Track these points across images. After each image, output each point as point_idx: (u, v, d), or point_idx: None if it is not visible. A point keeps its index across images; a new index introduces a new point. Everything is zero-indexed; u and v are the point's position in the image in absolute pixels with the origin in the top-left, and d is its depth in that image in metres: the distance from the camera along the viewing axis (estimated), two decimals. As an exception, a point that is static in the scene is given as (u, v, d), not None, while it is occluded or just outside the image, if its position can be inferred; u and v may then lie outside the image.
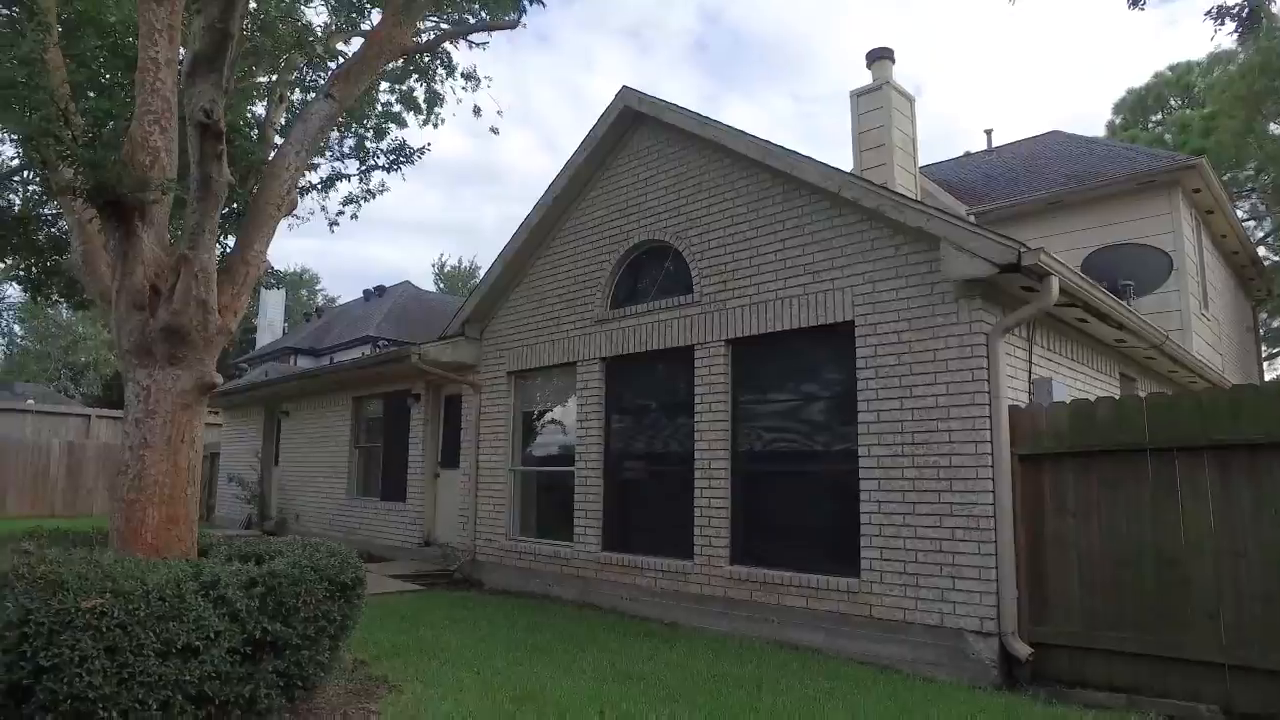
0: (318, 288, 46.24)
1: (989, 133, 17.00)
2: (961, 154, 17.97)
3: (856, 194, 6.69)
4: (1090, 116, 59.78)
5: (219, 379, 4.55)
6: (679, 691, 4.99)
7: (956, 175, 15.70)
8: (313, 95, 8.20)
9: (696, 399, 7.87)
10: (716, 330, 7.79)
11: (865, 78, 11.99)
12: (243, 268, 4.72)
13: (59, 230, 10.54)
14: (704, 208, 8.13)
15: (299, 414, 15.06)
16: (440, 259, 43.63)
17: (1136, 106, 25.79)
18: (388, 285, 27.11)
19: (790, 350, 7.37)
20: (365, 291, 27.20)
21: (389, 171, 7.34)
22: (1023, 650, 5.68)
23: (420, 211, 74.90)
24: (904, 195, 6.50)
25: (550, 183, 9.54)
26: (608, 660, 5.78)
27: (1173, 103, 25.45)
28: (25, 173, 10.67)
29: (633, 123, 9.00)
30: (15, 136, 4.25)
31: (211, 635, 3.87)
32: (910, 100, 12.73)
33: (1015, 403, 6.23)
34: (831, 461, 6.97)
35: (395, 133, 7.92)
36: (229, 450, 17.60)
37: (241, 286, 4.72)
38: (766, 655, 6.22)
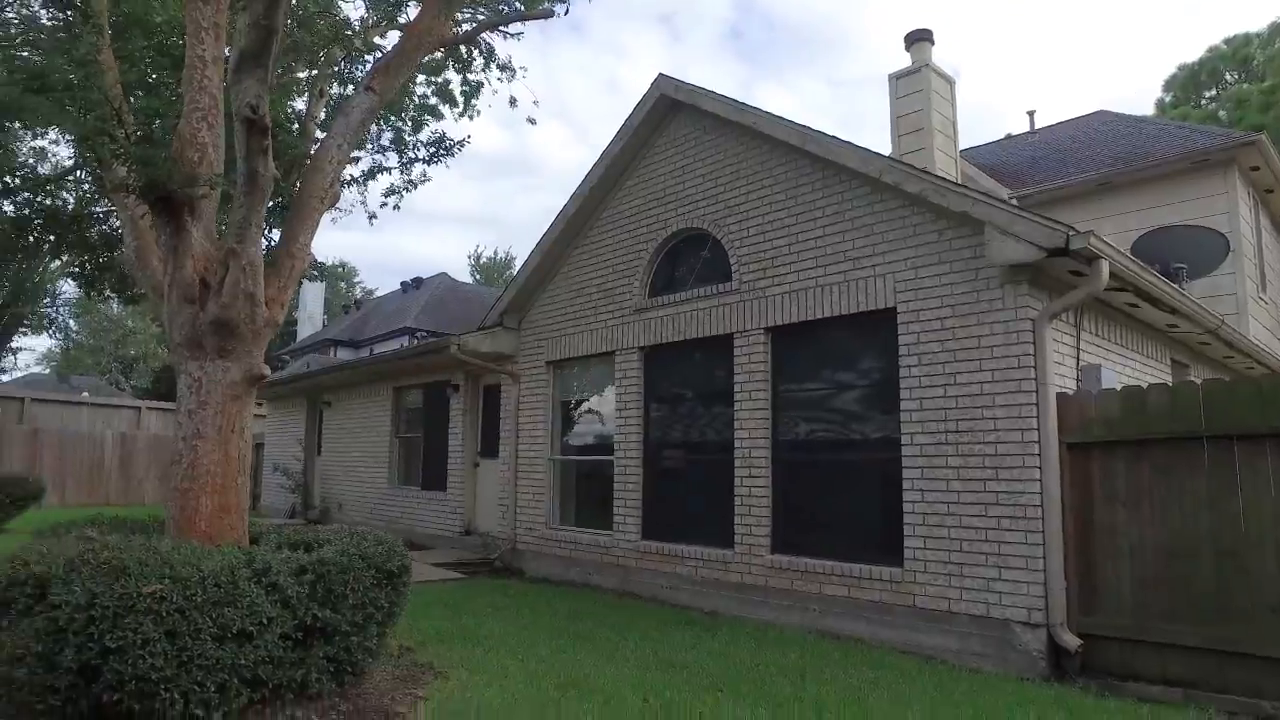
0: (356, 280, 46.97)
1: (1031, 114, 16.62)
2: (1003, 137, 17.59)
3: (897, 178, 6.58)
4: (1137, 96, 58.13)
5: (267, 370, 4.64)
6: (722, 680, 4.99)
7: (998, 158, 15.38)
8: (351, 89, 8.30)
9: (736, 387, 7.83)
10: (756, 318, 7.74)
11: (903, 60, 11.79)
12: (288, 261, 4.80)
13: (110, 228, 10.81)
14: (742, 195, 8.07)
15: (341, 405, 15.31)
16: (476, 250, 44.06)
17: (1189, 83, 24.89)
18: (425, 277, 27.42)
19: (830, 338, 7.30)
20: (403, 283, 27.55)
21: (429, 164, 7.41)
22: (1072, 642, 5.58)
23: (455, 204, 75.55)
24: (946, 179, 6.38)
25: (587, 172, 9.54)
26: (650, 648, 5.81)
27: (1229, 77, 24.51)
28: (78, 172, 10.97)
29: (669, 111, 8.95)
30: (71, 137, 4.35)
31: (264, 621, 3.96)
32: (950, 83, 12.49)
33: (1063, 390, 6.10)
34: (873, 450, 6.90)
35: (433, 125, 7.98)
36: (273, 440, 17.98)
37: (287, 279, 4.81)
38: (809, 645, 6.20)
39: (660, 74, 8.71)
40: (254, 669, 3.94)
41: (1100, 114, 15.73)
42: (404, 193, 7.53)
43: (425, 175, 7.54)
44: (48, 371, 34.99)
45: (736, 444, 7.76)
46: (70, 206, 10.58)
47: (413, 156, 7.49)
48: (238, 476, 4.63)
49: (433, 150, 7.37)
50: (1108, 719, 4.43)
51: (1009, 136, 17.50)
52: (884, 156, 6.81)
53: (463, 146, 7.39)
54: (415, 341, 23.44)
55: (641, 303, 8.97)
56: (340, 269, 43.38)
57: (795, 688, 4.90)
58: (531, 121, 8.50)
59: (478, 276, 42.20)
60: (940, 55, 11.90)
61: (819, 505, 7.25)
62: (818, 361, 7.42)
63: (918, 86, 11.99)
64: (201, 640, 3.72)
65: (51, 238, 10.45)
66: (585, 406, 10.04)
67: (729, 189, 8.21)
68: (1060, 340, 6.26)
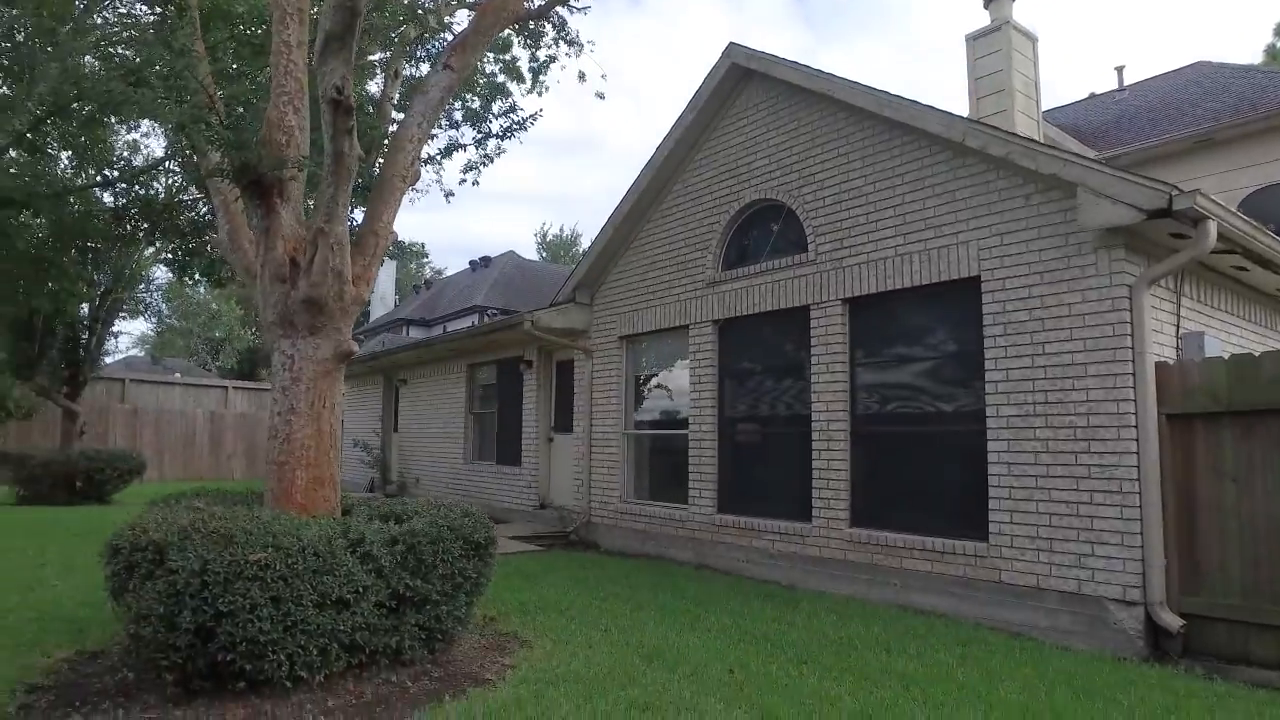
0: (424, 261, 47.92)
1: (1120, 70, 15.74)
2: (1086, 96, 16.72)
3: (982, 141, 6.33)
4: (1240, 46, 54.26)
5: (355, 347, 4.77)
6: (808, 653, 4.97)
7: (1084, 119, 14.66)
8: (423, 69, 8.39)
9: (813, 360, 7.72)
10: (833, 289, 7.60)
11: (980, 20, 11.28)
12: (372, 239, 4.91)
13: (198, 215, 11.30)
14: (818, 164, 7.89)
15: (415, 382, 15.71)
16: (542, 228, 44.41)
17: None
18: (492, 256, 27.81)
19: (910, 308, 7.11)
20: (471, 262, 28.01)
21: (504, 138, 7.45)
22: (1173, 622, 5.36)
23: (518, 183, 76.16)
24: (1034, 140, 6.09)
25: (657, 145, 9.47)
26: (731, 621, 5.82)
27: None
28: (168, 163, 11.46)
29: (740, 80, 8.79)
30: (168, 126, 4.53)
31: (360, 589, 4.11)
32: (1032, 40, 11.92)
33: (1162, 359, 5.81)
34: (955, 422, 6.72)
35: (501, 102, 8.02)
36: (350, 418, 18.57)
37: (372, 257, 4.92)
38: (891, 619, 6.11)
39: (731, 43, 8.55)
40: (351, 635, 4.10)
41: (1199, 65, 14.81)
42: (481, 168, 7.60)
43: (500, 149, 7.54)
44: (142, 354, 36.88)
45: (814, 417, 7.66)
46: (161, 196, 11.09)
47: (488, 130, 7.54)
48: (330, 450, 4.79)
49: (507, 125, 7.41)
50: (1218, 703, 4.23)
51: (1092, 96, 16.63)
52: (967, 119, 6.56)
53: (535, 120, 7.42)
54: (485, 319, 23.85)
55: (715, 276, 8.90)
56: (414, 249, 44.30)
57: (881, 661, 4.84)
58: (600, 96, 8.41)
59: (544, 254, 42.58)
60: (1019, 12, 11.36)
61: (899, 478, 7.11)
62: (897, 332, 7.24)
63: (997, 46, 11.47)
64: (304, 607, 3.88)
65: (145, 226, 10.98)
66: (658, 381, 10.05)
67: (803, 158, 8.04)
68: (1159, 307, 5.96)
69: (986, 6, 11.66)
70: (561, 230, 46.19)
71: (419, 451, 15.42)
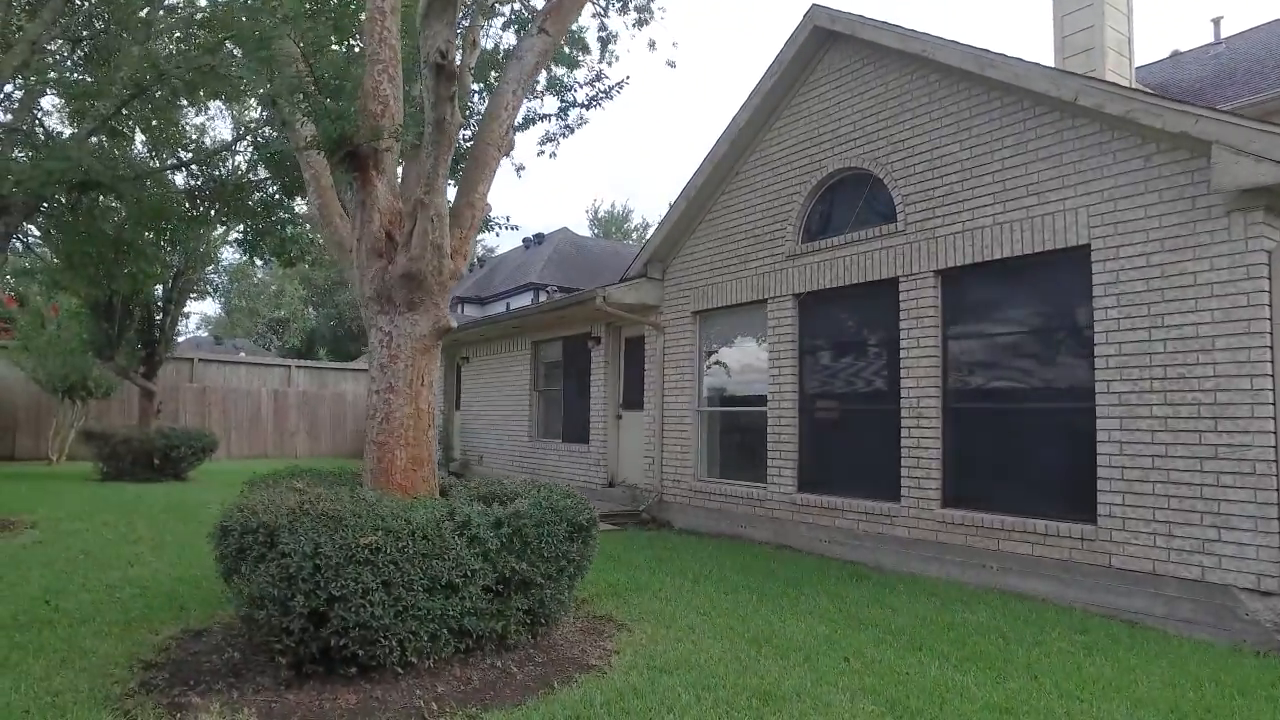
0: (477, 239, 48.10)
1: (1217, 22, 14.81)
2: (1168, 55, 15.79)
3: (1098, 100, 5.91)
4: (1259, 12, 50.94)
5: (453, 322, 4.65)
6: (920, 639, 4.75)
7: (1173, 77, 13.87)
8: (505, 38, 8.15)
9: (902, 334, 7.42)
10: (924, 260, 7.26)
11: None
12: (468, 211, 4.77)
13: (267, 195, 11.34)
14: (907, 129, 7.53)
15: (478, 360, 15.73)
16: (594, 204, 44.16)
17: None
18: (545, 233, 27.74)
19: (1010, 279, 6.76)
20: (525, 240, 27.99)
21: (588, 108, 7.23)
22: (1313, 612, 5.01)
23: (570, 159, 75.92)
24: (1159, 95, 5.67)
25: (735, 113, 9.17)
26: (830, 604, 5.62)
27: None
28: (237, 144, 11.52)
29: (821, 44, 8.43)
30: (255, 100, 4.43)
31: (469, 573, 4.01)
32: (1129, -8, 11.26)
33: (1299, 331, 5.39)
34: (1059, 399, 6.38)
35: (587, 70, 7.74)
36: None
37: (469, 230, 4.78)
38: (994, 603, 5.86)
39: (814, 4, 8.18)
40: (460, 620, 4.01)
41: (1300, 18, 13.85)
42: (560, 139, 7.42)
43: (583, 119, 7.28)
44: (206, 334, 37.82)
45: (903, 393, 7.37)
46: (231, 177, 11.15)
47: (572, 100, 7.32)
48: (428, 429, 4.70)
49: (592, 94, 7.18)
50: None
51: (1175, 54, 15.70)
52: (1080, 76, 6.15)
53: (622, 88, 7.17)
54: (542, 297, 23.83)
55: (795, 248, 8.60)
56: (498, 223, 44.28)
57: (999, 649, 4.60)
58: (671, 65, 8.09)
59: (596, 230, 42.39)
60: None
61: (996, 457, 6.80)
62: (994, 305, 6.90)
63: (1087, 1, 10.86)
64: (414, 591, 3.80)
65: (217, 206, 11.07)
66: (733, 356, 9.82)
67: (891, 124, 7.68)
68: (1294, 275, 5.52)
69: (1074, -41, 11.02)
70: (613, 206, 45.91)
71: (482, 429, 15.47)
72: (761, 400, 8.94)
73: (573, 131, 7.30)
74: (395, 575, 3.73)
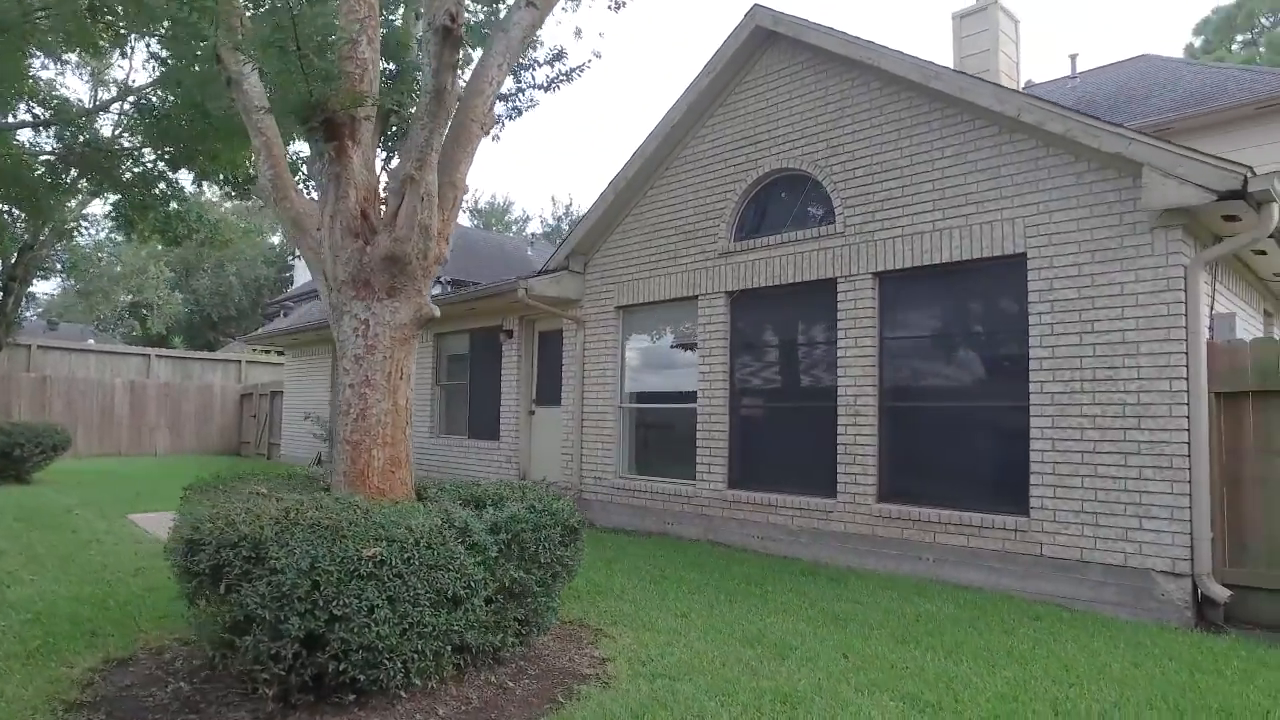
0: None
1: (1074, 58, 16.18)
2: (1024, 85, 17.07)
3: (1039, 118, 6.27)
4: (1160, 42, 57.01)
5: (436, 310, 4.30)
6: (899, 632, 4.87)
7: (1044, 101, 14.99)
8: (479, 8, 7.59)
9: (840, 334, 7.60)
10: (863, 262, 7.47)
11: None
12: (450, 191, 4.41)
13: (147, 166, 10.23)
14: (848, 134, 7.71)
15: (371, 351, 14.88)
16: (474, 194, 42.82)
17: (1224, 26, 24.36)
18: (430, 220, 26.68)
19: (947, 283, 7.07)
20: (407, 227, 26.79)
21: (547, 90, 6.90)
22: (1221, 593, 5.54)
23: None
24: (1095, 117, 6.08)
25: (667, 111, 9.09)
26: (798, 600, 5.68)
27: (1263, 21, 23.97)
28: (119, 104, 10.30)
29: (760, 44, 8.50)
30: (229, 44, 3.86)
31: (471, 584, 3.72)
32: (1016, 22, 12.12)
33: (1207, 339, 5.94)
34: (993, 397, 6.74)
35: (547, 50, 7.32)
36: (294, 389, 17.53)
37: (451, 211, 4.43)
38: (944, 594, 6.12)
39: (756, 4, 8.23)
40: (463, 634, 3.73)
41: (1144, 58, 15.36)
42: (506, 121, 7.03)
43: (534, 101, 6.90)
44: (35, 317, 33.65)
45: (840, 392, 7.56)
46: (99, 142, 9.96)
47: (530, 81, 6.95)
48: (405, 427, 4.33)
49: (553, 75, 6.84)
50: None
51: (1029, 84, 17.00)
52: (1022, 94, 6.49)
53: (584, 71, 6.88)
54: (435, 289, 22.91)
55: (728, 246, 8.64)
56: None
57: (976, 638, 4.79)
58: (597, 55, 7.88)
59: (476, 222, 41.17)
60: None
61: (931, 454, 7.11)
62: (931, 307, 7.20)
63: (984, 26, 11.61)
64: (421, 606, 3.48)
65: (86, 175, 9.88)
66: (658, 352, 9.77)
67: (831, 128, 7.85)
68: (1204, 289, 6.09)
69: (973, -15, 11.73)
70: (494, 198, 44.79)
71: (374, 424, 14.65)
72: (689, 397, 8.95)
73: (520, 114, 6.94)
74: (401, 590, 3.40)
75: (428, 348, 13.19)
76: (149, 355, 19.44)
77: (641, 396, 9.77)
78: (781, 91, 8.33)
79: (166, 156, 9.77)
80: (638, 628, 4.89)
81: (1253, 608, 5.57)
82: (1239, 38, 24.30)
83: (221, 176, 10.06)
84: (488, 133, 4.56)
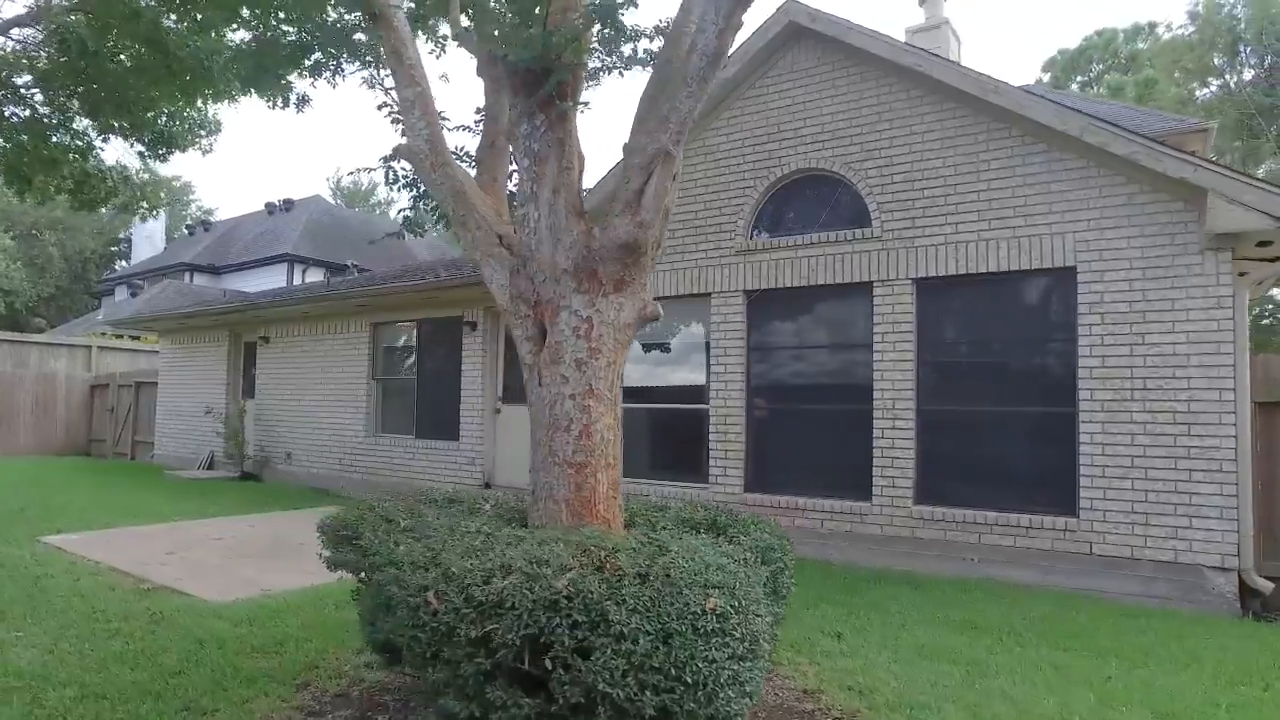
0: (190, 199, 40.61)
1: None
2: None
3: (1103, 140, 6.58)
4: (1012, 78, 62.30)
5: (660, 311, 3.76)
6: (1042, 636, 5.03)
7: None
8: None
9: (876, 337, 7.65)
10: (902, 268, 7.55)
11: (911, 17, 11.80)
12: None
13: (36, 108, 8.45)
14: (885, 139, 7.75)
15: (285, 340, 13.27)
16: (336, 173, 39.52)
17: (1069, 66, 27.19)
18: (295, 199, 24.29)
19: (991, 292, 7.29)
20: (268, 205, 24.20)
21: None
22: (1265, 585, 6.12)
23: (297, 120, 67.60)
24: (1159, 142, 6.49)
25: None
26: (899, 607, 5.70)
27: (1097, 67, 27.07)
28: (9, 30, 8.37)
29: (788, 40, 8.35)
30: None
31: (764, 627, 3.29)
32: (959, 43, 12.74)
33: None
34: (1039, 403, 7.03)
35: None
36: (174, 380, 15.21)
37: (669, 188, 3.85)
38: (1002, 594, 6.36)
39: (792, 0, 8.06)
40: (753, 685, 3.29)
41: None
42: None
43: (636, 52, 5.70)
44: None
45: (876, 395, 7.61)
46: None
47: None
48: (619, 443, 3.77)
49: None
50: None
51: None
52: (1084, 114, 6.78)
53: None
54: (307, 272, 20.87)
55: (746, 244, 8.45)
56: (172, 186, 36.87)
57: (1122, 640, 4.99)
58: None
59: (340, 201, 37.93)
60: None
61: (973, 457, 7.32)
62: (973, 314, 7.40)
63: (935, 44, 12.06)
64: (742, 661, 3.02)
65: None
66: (659, 350, 9.39)
67: (868, 131, 7.85)
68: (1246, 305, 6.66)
69: (921, 4, 12.23)
70: (355, 177, 41.58)
71: (294, 422, 13.07)
72: (692, 395, 8.69)
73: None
74: (739, 647, 2.94)
75: (363, 338, 11.96)
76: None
77: (639, 395, 9.35)
78: (810, 90, 8.23)
79: (79, 99, 8.11)
80: (794, 650, 4.62)
81: (1286, 596, 6.21)
82: (1077, 78, 27.40)
83: (147, 134, 8.50)
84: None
